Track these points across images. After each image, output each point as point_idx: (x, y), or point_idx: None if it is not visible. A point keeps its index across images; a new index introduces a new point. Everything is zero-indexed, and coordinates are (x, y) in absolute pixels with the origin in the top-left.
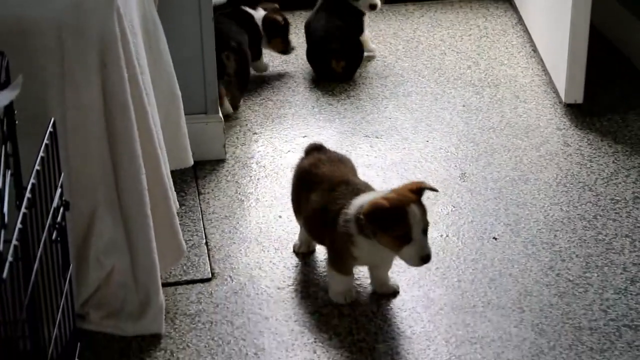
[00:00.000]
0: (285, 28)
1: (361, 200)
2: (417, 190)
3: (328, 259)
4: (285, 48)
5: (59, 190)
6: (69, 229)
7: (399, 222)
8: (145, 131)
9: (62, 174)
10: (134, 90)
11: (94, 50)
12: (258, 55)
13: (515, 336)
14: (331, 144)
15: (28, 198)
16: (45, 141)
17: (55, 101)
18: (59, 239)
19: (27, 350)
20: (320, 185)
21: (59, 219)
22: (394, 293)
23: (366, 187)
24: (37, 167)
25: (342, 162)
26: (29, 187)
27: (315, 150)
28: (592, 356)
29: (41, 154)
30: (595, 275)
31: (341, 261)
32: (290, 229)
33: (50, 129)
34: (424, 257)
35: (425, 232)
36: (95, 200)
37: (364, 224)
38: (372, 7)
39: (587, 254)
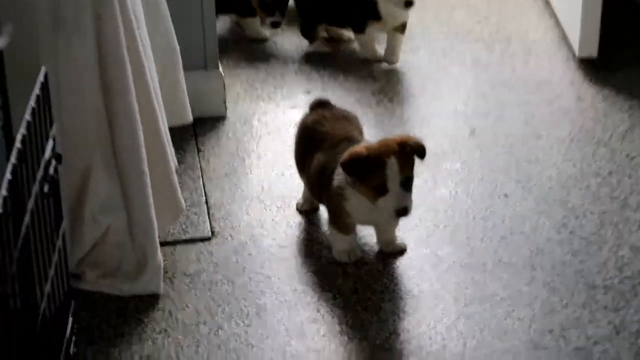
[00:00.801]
0: None
1: None
2: (403, 144)
3: (328, 218)
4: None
5: (50, 142)
6: (63, 186)
7: (375, 172)
8: (142, 86)
9: (54, 126)
10: (129, 42)
11: (88, 2)
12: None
13: (526, 294)
14: (335, 101)
15: (18, 149)
16: (36, 92)
17: (48, 54)
18: (51, 192)
19: (18, 308)
20: (323, 143)
21: (50, 171)
22: (401, 251)
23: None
24: (27, 117)
25: (347, 119)
26: (19, 137)
27: (320, 106)
28: (606, 314)
29: (32, 104)
30: (610, 232)
31: (338, 219)
32: (294, 186)
33: (41, 79)
34: (399, 210)
35: (405, 185)
36: (90, 156)
37: (344, 173)
38: (408, 4)
39: (602, 210)
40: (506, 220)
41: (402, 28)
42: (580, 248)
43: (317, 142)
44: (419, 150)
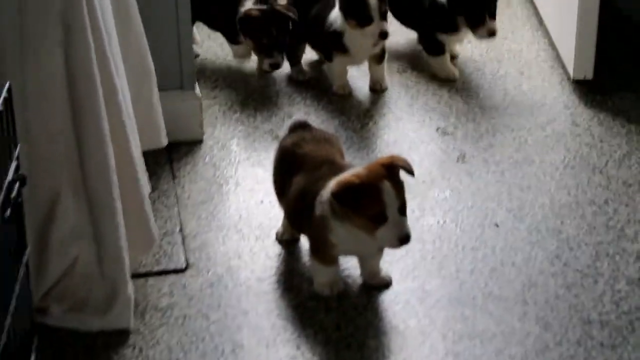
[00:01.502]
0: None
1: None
2: (391, 166)
3: (309, 248)
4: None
5: (14, 163)
6: (28, 212)
7: (372, 200)
8: (113, 106)
9: (19, 146)
10: (100, 59)
11: (56, 17)
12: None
13: (518, 330)
14: (318, 124)
15: None
16: None
17: (14, 69)
18: (13, 217)
19: None
20: (302, 166)
21: (13, 194)
22: (386, 285)
23: (351, 168)
24: None
25: (327, 141)
26: None
27: (299, 127)
28: (602, 352)
29: None
30: (606, 264)
31: (321, 250)
32: (273, 215)
33: (4, 94)
34: (402, 238)
35: (402, 210)
36: (58, 180)
37: (334, 204)
38: (383, 35)
39: (597, 241)
40: (497, 251)
41: (378, 59)
42: (575, 281)
43: (296, 165)
44: (408, 168)
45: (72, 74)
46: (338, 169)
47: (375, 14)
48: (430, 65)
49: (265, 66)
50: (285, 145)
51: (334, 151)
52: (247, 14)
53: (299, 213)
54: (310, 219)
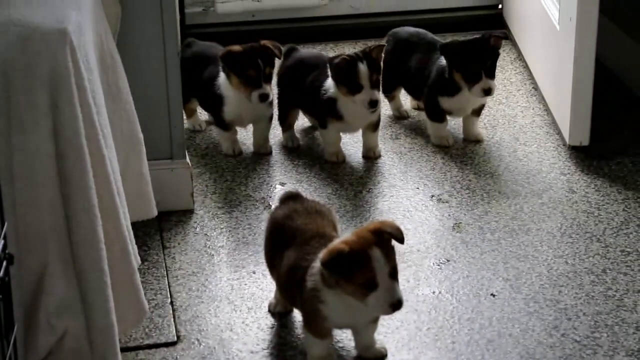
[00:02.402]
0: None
1: None
2: (379, 232)
3: (303, 322)
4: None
5: (1, 242)
6: (15, 286)
7: (362, 267)
8: (102, 177)
9: (6, 224)
10: (88, 131)
11: (43, 88)
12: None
13: None
14: (310, 193)
15: None
16: None
17: (0, 144)
18: (1, 296)
19: None
20: (293, 240)
21: (1, 273)
22: (382, 357)
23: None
24: None
25: (319, 213)
26: None
27: (291, 199)
28: None
29: None
30: (605, 335)
31: (314, 322)
32: (265, 285)
33: None
34: (394, 304)
35: (393, 275)
36: (46, 254)
37: (324, 273)
38: (373, 104)
39: (596, 311)
40: (494, 322)
41: (373, 127)
42: (574, 352)
43: (287, 238)
44: (397, 235)
45: (60, 145)
46: (329, 242)
47: (365, 82)
48: (428, 130)
49: (255, 98)
50: (276, 217)
51: (325, 223)
52: (230, 51)
53: (291, 287)
54: (302, 292)
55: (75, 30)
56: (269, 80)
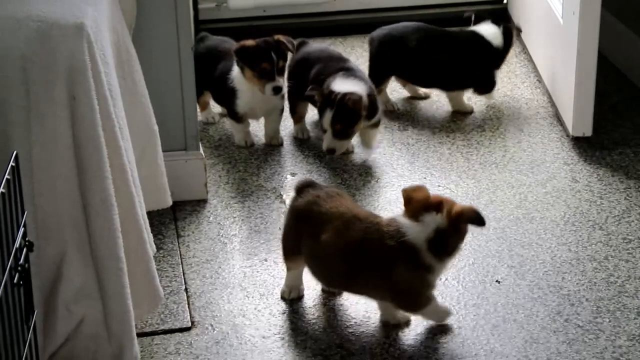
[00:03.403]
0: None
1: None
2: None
3: (398, 300)
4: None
5: (21, 230)
6: (34, 274)
7: None
8: (119, 168)
9: (26, 213)
10: (105, 123)
11: (61, 81)
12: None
13: None
14: (321, 183)
15: None
16: (7, 176)
17: (20, 136)
18: (21, 282)
19: None
20: (329, 222)
21: (21, 260)
22: (407, 322)
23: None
24: None
25: (340, 195)
26: None
27: (308, 186)
28: None
29: (1, 189)
30: (607, 320)
31: (417, 294)
32: (277, 273)
33: (12, 162)
34: None
35: None
36: (64, 242)
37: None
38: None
39: (598, 297)
40: (499, 308)
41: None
42: (576, 337)
43: (317, 223)
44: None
45: (78, 137)
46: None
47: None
48: (451, 100)
49: (268, 90)
50: (298, 206)
51: (351, 203)
52: (244, 45)
53: (361, 268)
54: (394, 266)
55: (92, 26)
56: (281, 73)
